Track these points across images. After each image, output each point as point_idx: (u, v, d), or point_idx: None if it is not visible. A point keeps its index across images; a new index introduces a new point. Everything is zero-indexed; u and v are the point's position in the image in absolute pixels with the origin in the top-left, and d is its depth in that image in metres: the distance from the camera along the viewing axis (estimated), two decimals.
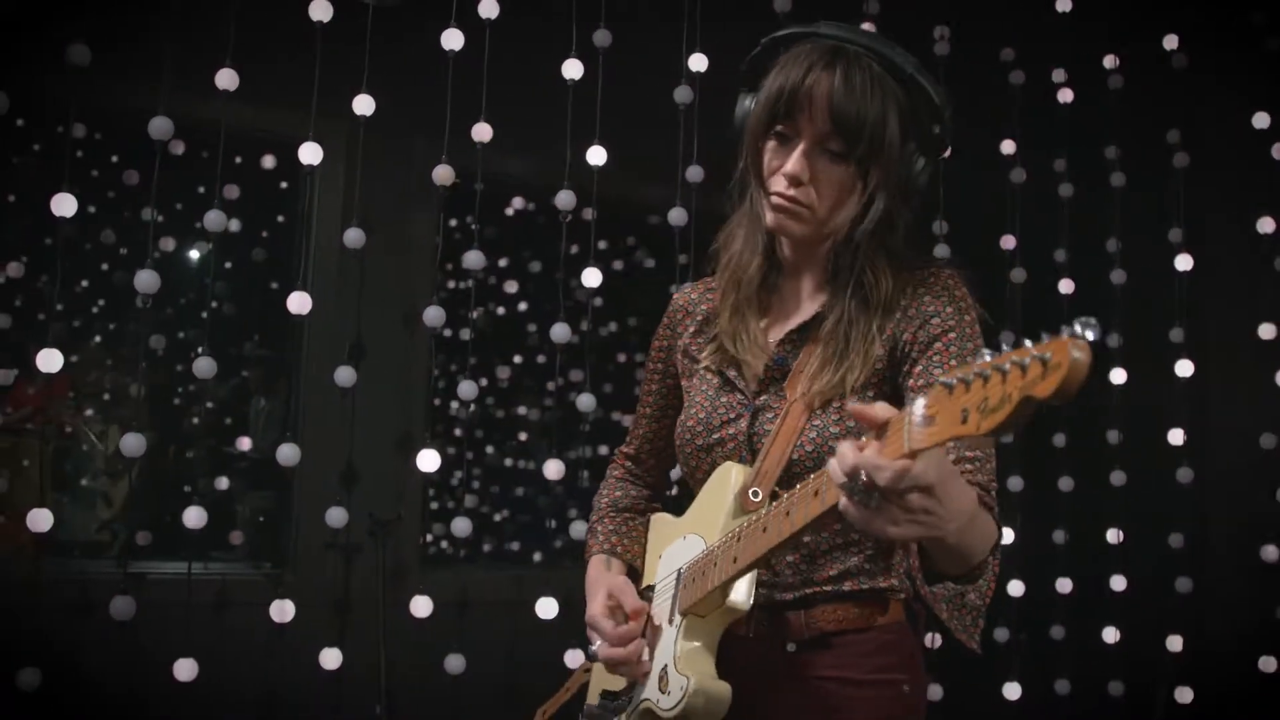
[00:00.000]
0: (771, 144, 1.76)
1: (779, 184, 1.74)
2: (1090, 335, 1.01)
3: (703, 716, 1.66)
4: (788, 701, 1.77)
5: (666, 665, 1.72)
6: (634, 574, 1.98)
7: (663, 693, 1.71)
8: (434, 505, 6.34)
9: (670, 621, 1.76)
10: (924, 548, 1.49)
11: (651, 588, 1.87)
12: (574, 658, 3.62)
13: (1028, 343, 1.05)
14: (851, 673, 1.76)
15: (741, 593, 1.67)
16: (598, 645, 1.79)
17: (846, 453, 1.27)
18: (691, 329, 1.97)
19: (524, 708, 2.26)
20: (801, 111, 1.71)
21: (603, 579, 1.92)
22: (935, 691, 4.18)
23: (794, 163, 1.71)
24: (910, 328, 1.73)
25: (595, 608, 1.82)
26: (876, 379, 1.73)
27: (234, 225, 3.43)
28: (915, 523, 1.29)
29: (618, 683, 1.87)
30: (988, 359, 1.10)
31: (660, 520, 2.00)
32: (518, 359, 7.09)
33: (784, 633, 1.77)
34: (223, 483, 6.15)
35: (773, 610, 1.77)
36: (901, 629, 1.82)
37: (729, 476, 1.76)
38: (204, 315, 3.63)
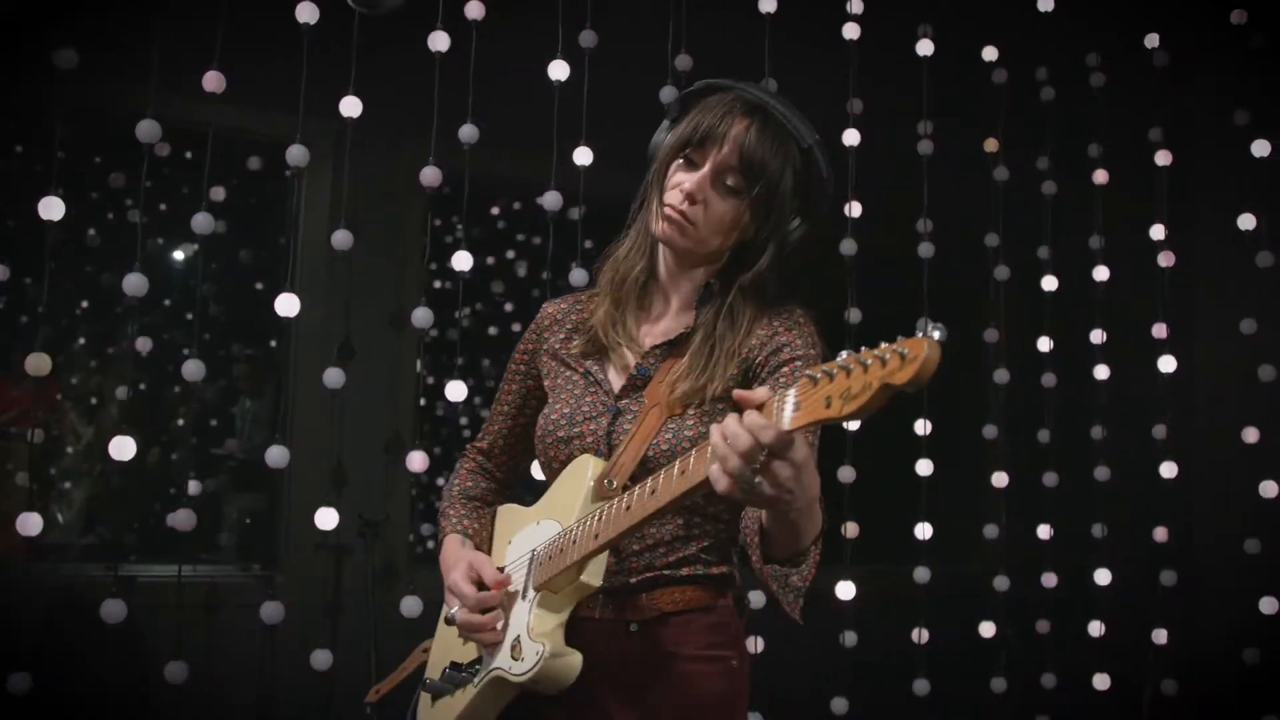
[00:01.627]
0: (679, 164, 1.97)
1: (675, 197, 1.95)
2: (937, 335, 1.21)
3: (553, 681, 1.83)
4: (630, 678, 1.94)
5: (519, 635, 1.88)
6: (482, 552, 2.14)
7: (515, 660, 1.87)
8: (422, 505, 6.35)
9: (524, 596, 1.92)
10: (764, 530, 1.65)
11: (502, 569, 2.00)
12: None
13: (883, 344, 1.27)
14: (688, 649, 1.95)
15: (594, 571, 1.84)
16: (456, 609, 1.95)
17: (731, 421, 1.44)
18: (560, 335, 2.14)
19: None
20: (713, 144, 1.93)
21: (462, 553, 2.05)
22: (922, 687, 4.20)
23: (694, 181, 1.93)
24: (763, 352, 1.95)
25: (457, 575, 1.97)
26: (727, 394, 1.90)
27: (220, 227, 3.42)
28: (775, 494, 1.45)
29: (466, 655, 2.00)
30: (845, 356, 1.31)
31: (508, 510, 2.18)
32: (505, 358, 7.09)
33: (627, 613, 1.94)
34: (210, 485, 6.14)
35: (618, 594, 1.94)
36: (730, 612, 2.03)
37: (586, 467, 1.93)
38: (189, 317, 3.62)
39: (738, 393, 1.48)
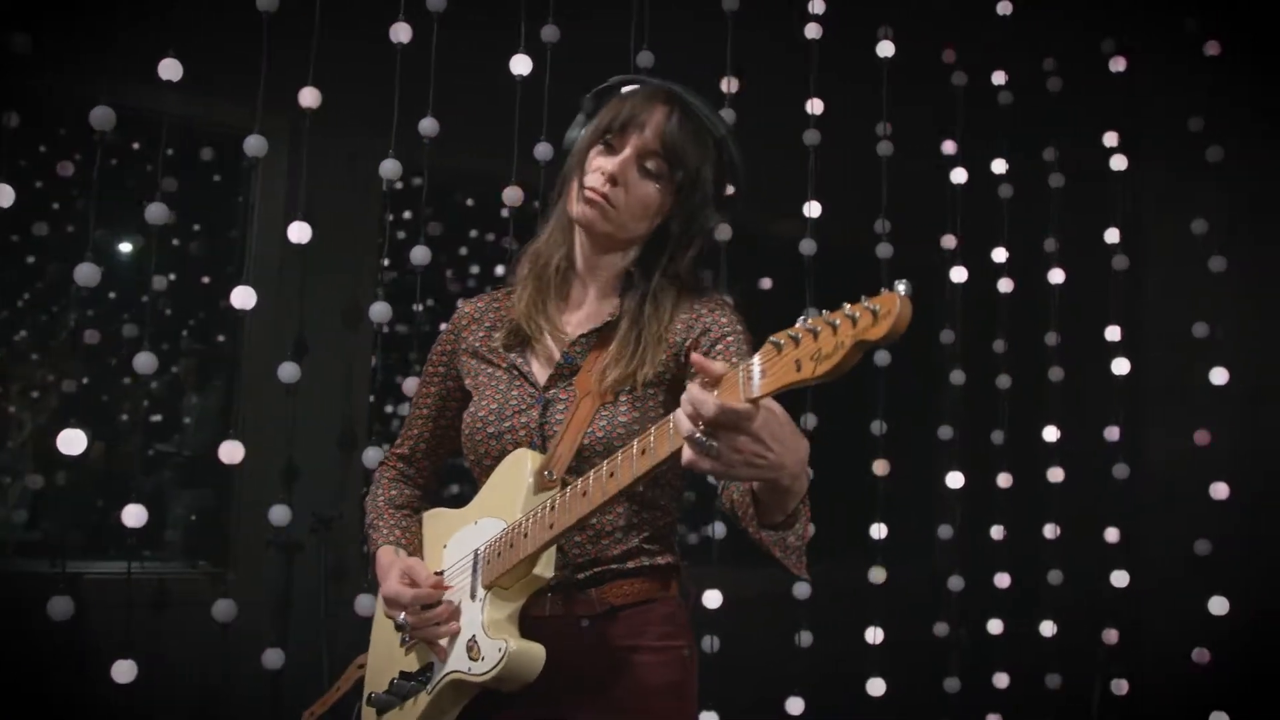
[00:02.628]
0: (598, 149, 1.98)
1: (595, 179, 1.95)
2: (903, 289, 1.23)
3: (518, 677, 1.83)
4: (585, 673, 1.94)
5: (475, 636, 1.87)
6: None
7: (474, 660, 1.86)
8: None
9: (473, 597, 1.91)
10: (757, 496, 1.66)
11: (440, 574, 2.00)
12: None
13: (846, 305, 1.28)
14: (641, 640, 1.97)
15: (546, 563, 1.85)
16: (403, 616, 1.94)
17: (693, 391, 1.45)
18: (480, 333, 2.13)
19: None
20: (634, 129, 1.96)
21: (395, 561, 2.04)
22: (877, 686, 4.21)
23: (615, 163, 1.95)
24: (693, 334, 1.97)
25: (391, 583, 1.98)
26: (658, 380, 1.95)
27: (172, 218, 3.35)
28: (747, 465, 1.47)
29: (412, 663, 2.00)
30: (809, 320, 1.32)
31: (436, 515, 2.16)
32: None
33: (577, 609, 1.95)
34: (156, 481, 6.05)
35: (567, 590, 1.94)
36: (677, 602, 2.05)
37: (524, 460, 1.92)
38: (144, 301, 3.54)
39: (695, 358, 1.48)
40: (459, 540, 2.01)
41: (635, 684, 1.96)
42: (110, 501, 6.01)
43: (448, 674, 1.89)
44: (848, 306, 1.28)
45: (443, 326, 2.21)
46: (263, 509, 3.61)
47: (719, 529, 3.91)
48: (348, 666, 2.25)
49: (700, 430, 1.45)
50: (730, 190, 2.07)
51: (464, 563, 1.97)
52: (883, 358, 4.16)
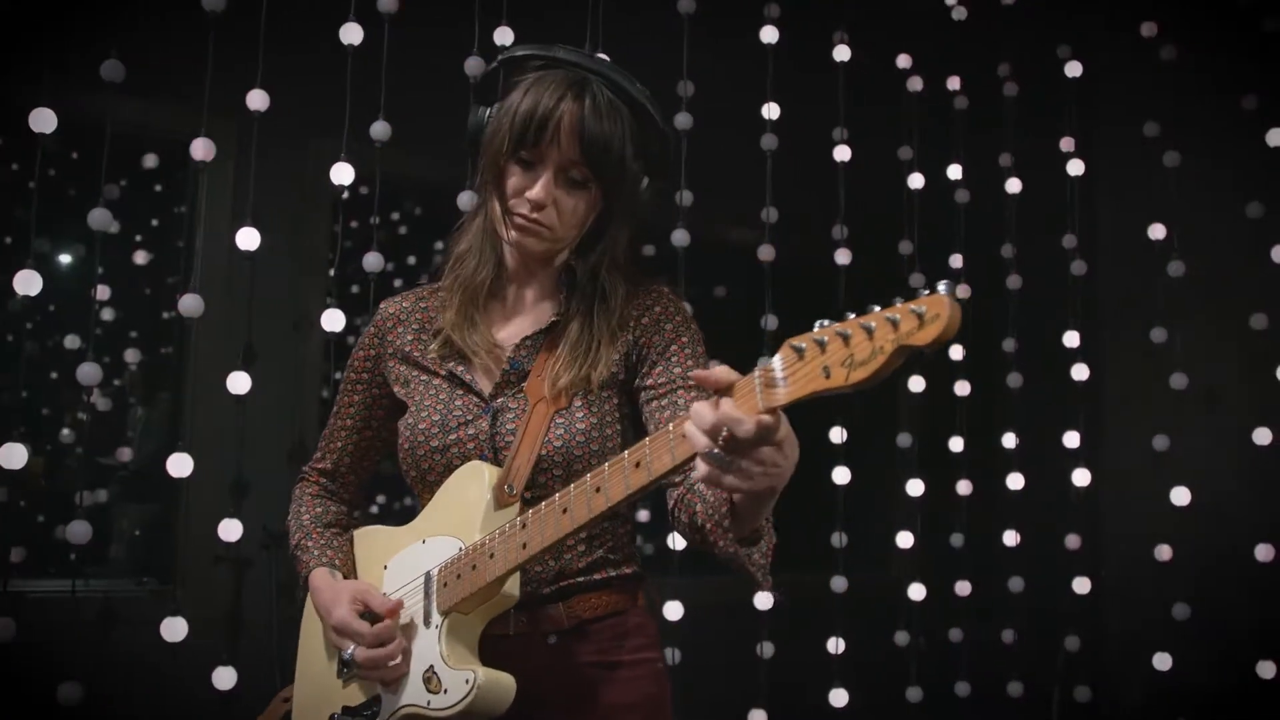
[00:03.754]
0: (515, 167, 1.85)
1: (523, 207, 1.84)
2: (944, 289, 1.14)
3: (485, 710, 1.71)
4: (555, 692, 1.85)
5: (433, 666, 1.75)
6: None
7: (434, 693, 1.73)
8: None
9: (428, 624, 1.78)
10: (735, 510, 1.56)
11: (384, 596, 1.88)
12: None
13: (875, 308, 1.19)
14: (611, 655, 1.90)
15: (513, 583, 1.73)
16: (352, 650, 1.80)
17: (705, 411, 1.35)
18: (408, 336, 2.02)
19: None
20: (549, 139, 1.81)
21: (340, 586, 1.91)
22: (840, 697, 4.16)
23: (539, 189, 1.82)
24: (644, 335, 1.90)
25: (342, 612, 1.84)
26: (611, 380, 1.88)
27: (114, 227, 3.23)
28: (765, 475, 1.38)
29: (354, 697, 1.87)
30: (842, 322, 1.22)
31: (369, 534, 2.04)
32: None
33: (544, 626, 1.86)
34: (101, 495, 5.91)
35: (531, 606, 1.85)
36: (644, 612, 1.98)
37: (480, 474, 1.81)
38: (89, 312, 3.43)
39: (696, 373, 1.41)
40: (403, 561, 1.89)
41: (610, 701, 1.88)
42: (52, 517, 5.87)
43: (403, 709, 1.77)
44: (891, 307, 1.19)
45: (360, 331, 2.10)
46: (211, 524, 3.50)
47: (678, 540, 3.85)
48: (271, 702, 2.12)
49: (719, 445, 1.35)
50: (658, 155, 1.96)
51: (412, 586, 1.84)
52: None
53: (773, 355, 1.29)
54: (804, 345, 1.26)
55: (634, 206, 1.94)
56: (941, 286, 1.14)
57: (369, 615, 1.83)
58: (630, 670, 1.91)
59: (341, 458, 2.12)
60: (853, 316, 1.22)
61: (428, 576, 1.81)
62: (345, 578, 1.98)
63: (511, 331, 1.96)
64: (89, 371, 3.10)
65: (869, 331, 1.19)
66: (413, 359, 1.99)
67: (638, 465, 1.50)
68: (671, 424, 1.45)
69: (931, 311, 1.14)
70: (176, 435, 4.19)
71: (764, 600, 4.01)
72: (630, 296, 1.94)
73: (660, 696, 1.95)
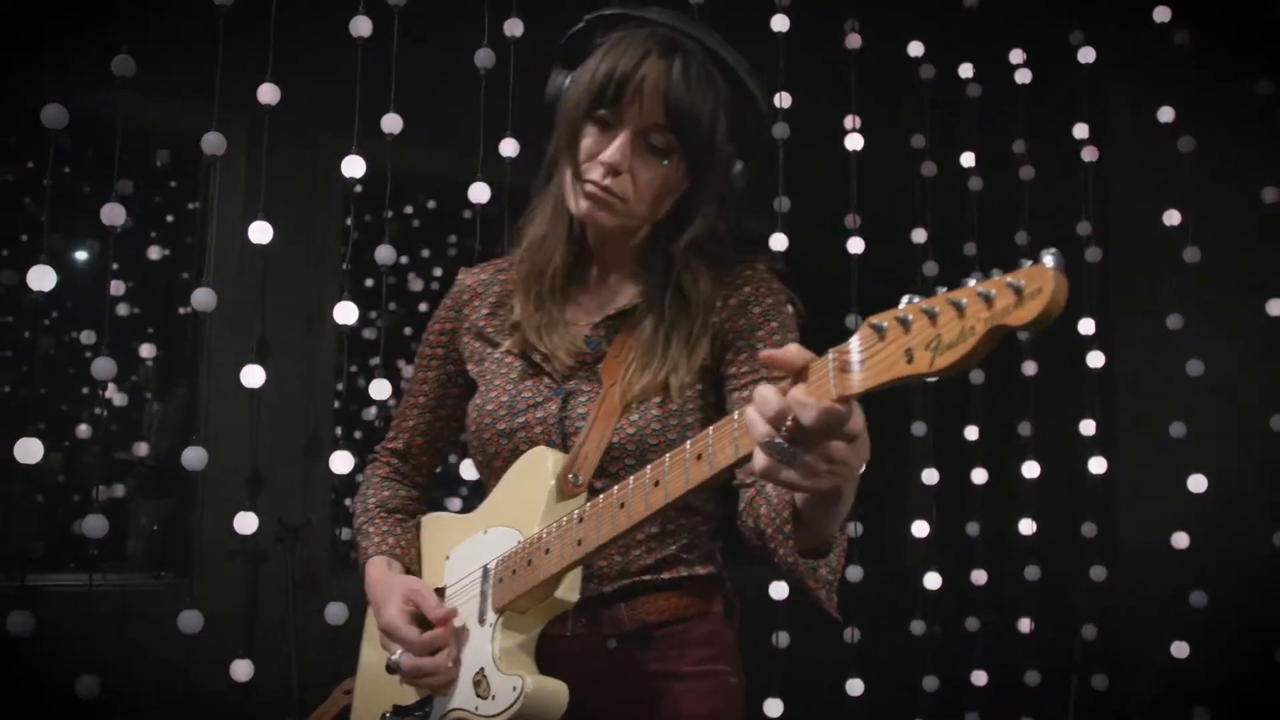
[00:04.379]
0: (592, 129, 1.69)
1: (595, 172, 1.67)
2: (1051, 261, 1.00)
3: (537, 718, 1.59)
4: (612, 700, 1.71)
5: (484, 669, 1.62)
6: (416, 576, 1.88)
7: (483, 698, 1.61)
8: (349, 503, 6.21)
9: (482, 622, 1.66)
10: (800, 516, 1.43)
11: (443, 590, 1.77)
12: None
13: (969, 281, 1.06)
14: (676, 665, 1.73)
15: (570, 585, 1.60)
16: (399, 655, 1.67)
17: (769, 395, 1.20)
18: (484, 310, 1.87)
19: None
20: (630, 99, 1.64)
21: (394, 581, 1.77)
22: (855, 687, 4.16)
23: (614, 151, 1.65)
24: (732, 319, 1.73)
25: (392, 613, 1.70)
26: (698, 378, 1.72)
27: (126, 223, 3.23)
28: (833, 474, 1.23)
29: (407, 695, 1.74)
30: (928, 298, 1.08)
31: (436, 520, 1.91)
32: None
33: (604, 628, 1.71)
34: (117, 490, 5.94)
35: (591, 605, 1.69)
36: (721, 620, 1.82)
37: (544, 462, 1.68)
38: (103, 307, 3.43)
39: (765, 354, 1.23)
40: (464, 553, 1.76)
41: (671, 715, 1.71)
42: (71, 512, 5.91)
43: (452, 712, 1.65)
44: (976, 283, 1.05)
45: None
46: (226, 517, 3.51)
47: None
48: (332, 692, 2.06)
49: (782, 435, 1.20)
50: (755, 138, 1.77)
51: (470, 580, 1.72)
52: None
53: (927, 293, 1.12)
54: (885, 324, 1.11)
55: (724, 192, 1.74)
56: (1048, 257, 1.00)
57: (422, 620, 1.70)
58: (695, 682, 1.74)
59: (413, 438, 1.98)
60: (942, 291, 1.08)
61: (485, 570, 1.69)
62: (406, 569, 1.85)
63: (590, 310, 1.81)
64: (103, 366, 3.11)
65: (959, 309, 1.05)
66: (487, 335, 1.85)
67: (699, 457, 1.35)
68: (737, 411, 1.30)
69: (1032, 285, 1.00)
70: (191, 429, 4.19)
71: (779, 590, 4.01)
72: (719, 282, 1.76)
73: (728, 713, 1.78)
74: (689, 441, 1.37)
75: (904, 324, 1.09)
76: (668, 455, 1.40)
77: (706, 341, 1.72)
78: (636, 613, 1.72)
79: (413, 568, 1.87)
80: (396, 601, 1.70)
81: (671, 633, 1.74)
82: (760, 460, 1.23)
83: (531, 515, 1.65)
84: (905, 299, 1.10)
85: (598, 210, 1.68)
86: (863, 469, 1.29)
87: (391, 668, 1.68)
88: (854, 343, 1.14)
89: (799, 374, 1.21)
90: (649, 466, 1.43)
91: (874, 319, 1.12)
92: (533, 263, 1.81)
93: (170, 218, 6.35)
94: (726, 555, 1.88)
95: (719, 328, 1.73)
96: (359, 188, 3.59)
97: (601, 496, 1.50)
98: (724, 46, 1.70)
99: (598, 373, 1.73)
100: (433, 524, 1.92)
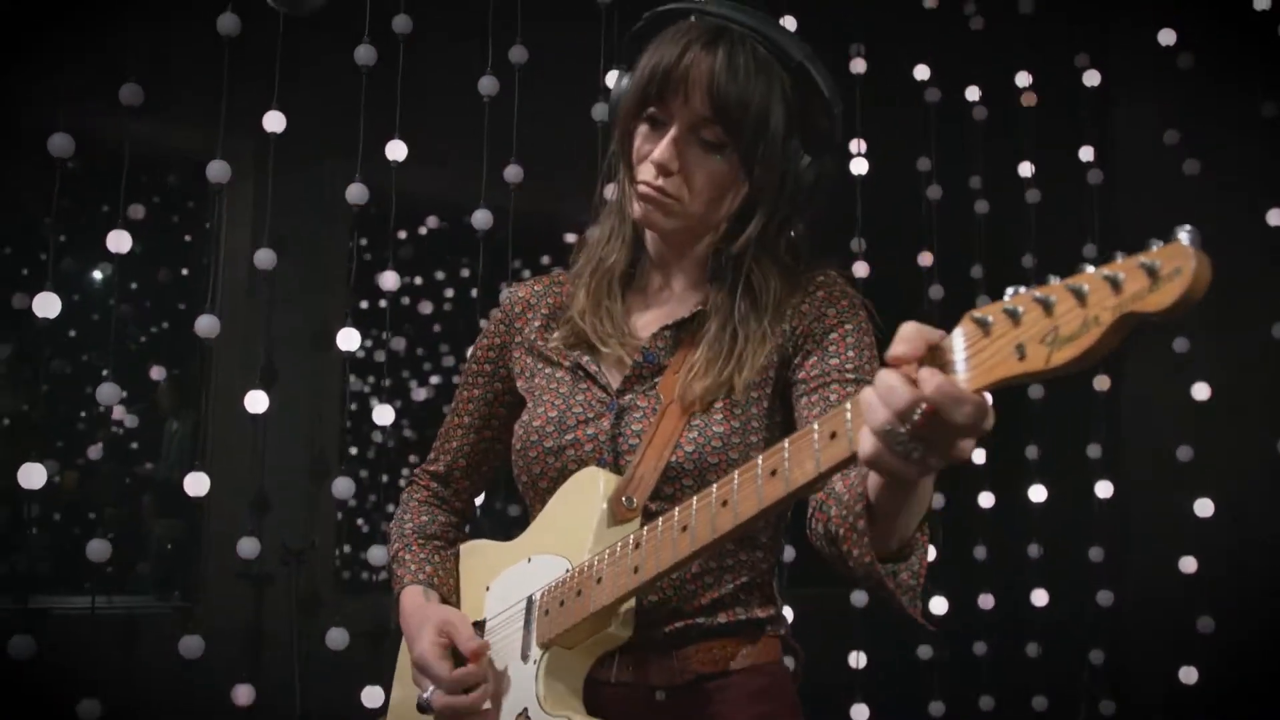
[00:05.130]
0: (643, 128, 1.61)
1: (646, 172, 1.58)
2: (1185, 238, 0.85)
3: None
4: None
5: (527, 709, 1.49)
6: (453, 607, 1.74)
7: None
8: (362, 526, 6.24)
9: (525, 658, 1.53)
10: (874, 513, 1.27)
11: (482, 624, 1.64)
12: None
13: (1089, 267, 0.92)
14: None
15: (626, 620, 1.47)
16: (430, 692, 1.56)
17: (898, 385, 1.04)
18: (536, 324, 1.74)
19: None
20: (676, 94, 1.55)
21: (429, 612, 1.65)
22: (862, 711, 4.15)
23: (662, 150, 1.56)
24: (803, 322, 1.61)
25: (424, 646, 1.58)
26: (763, 380, 1.59)
27: (139, 246, 3.27)
28: (933, 463, 1.09)
29: None
30: (1037, 288, 0.95)
31: (477, 549, 1.79)
32: (435, 379, 7.00)
33: (652, 677, 1.56)
34: (129, 511, 5.98)
35: (638, 650, 1.55)
36: (781, 670, 1.67)
37: (596, 483, 1.54)
38: (116, 333, 3.47)
39: (893, 353, 1.07)
40: (506, 582, 1.64)
41: None
42: (85, 532, 5.94)
43: None
44: (1098, 268, 0.91)
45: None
46: (231, 540, 3.54)
47: None
48: None
49: (908, 428, 1.05)
50: (824, 124, 1.64)
51: (512, 612, 1.59)
52: None
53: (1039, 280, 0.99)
54: (991, 318, 0.99)
55: (790, 186, 1.62)
56: (1183, 234, 0.86)
57: (456, 654, 1.59)
58: None
59: (456, 459, 1.84)
60: (1056, 281, 0.95)
61: (529, 601, 1.56)
62: (443, 599, 1.73)
63: (649, 321, 1.69)
64: (109, 392, 3.14)
65: (1079, 296, 0.92)
66: (538, 350, 1.72)
67: (773, 473, 1.21)
68: (818, 423, 1.16)
69: (1169, 265, 0.86)
70: (198, 452, 4.22)
71: (785, 613, 4.00)
72: (790, 288, 1.64)
73: None
74: (761, 456, 1.24)
75: (1013, 316, 0.97)
76: (736, 472, 1.26)
77: (774, 345, 1.60)
78: (688, 661, 1.57)
79: (450, 598, 1.75)
80: (430, 634, 1.59)
81: (726, 684, 1.59)
82: (869, 445, 1.08)
83: (581, 542, 1.51)
84: (1010, 290, 0.98)
85: (653, 212, 1.60)
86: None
87: (422, 706, 1.57)
88: (956, 338, 1.02)
89: (931, 355, 1.05)
90: (715, 485, 1.30)
91: (976, 312, 1.00)
92: (592, 264, 1.71)
93: (188, 237, 6.40)
94: None
95: (789, 334, 1.61)
96: (364, 207, 3.61)
97: (661, 519, 1.37)
98: (782, 33, 1.60)
99: (655, 387, 1.61)
100: (472, 553, 1.79)
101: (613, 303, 1.68)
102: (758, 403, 1.58)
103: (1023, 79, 4.71)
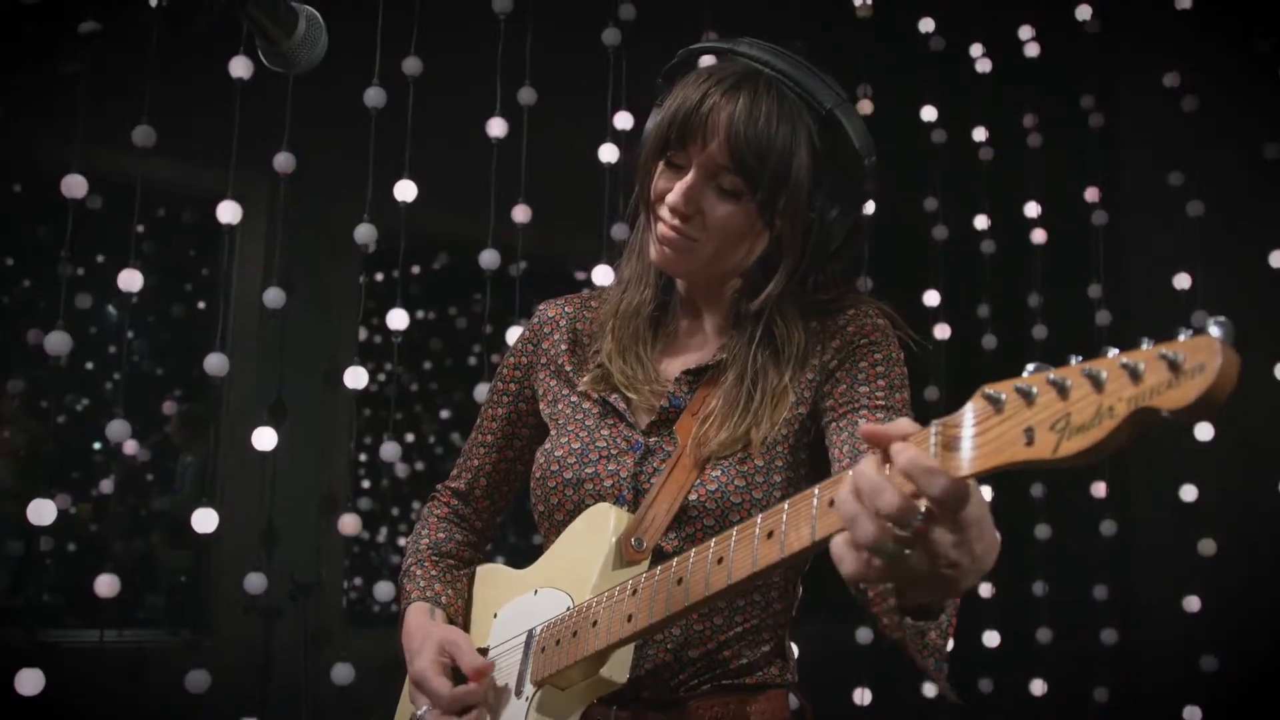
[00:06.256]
0: (663, 168, 1.57)
1: (663, 214, 1.55)
2: (1217, 332, 0.79)
3: None
4: None
5: None
6: (457, 628, 1.70)
7: None
8: (373, 558, 6.27)
9: (519, 693, 1.49)
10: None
11: (485, 651, 1.60)
12: None
13: (1113, 351, 0.86)
14: None
15: (619, 664, 1.41)
16: (425, 710, 1.53)
17: (879, 481, 0.98)
18: (563, 345, 1.71)
19: None
20: (694, 139, 1.51)
21: (431, 630, 1.61)
22: None
23: (676, 194, 1.52)
24: (835, 358, 1.56)
25: (424, 663, 1.55)
26: (788, 432, 1.54)
27: (154, 281, 3.33)
28: (935, 575, 1.01)
29: None
30: (1054, 369, 0.89)
31: (491, 573, 1.74)
32: (445, 414, 7.05)
33: None
34: (142, 545, 6.02)
35: (635, 700, 1.50)
36: (789, 717, 1.60)
37: (606, 521, 1.50)
38: (118, 376, 3.52)
39: (866, 428, 1.03)
40: (512, 612, 1.59)
41: None
42: (95, 565, 5.98)
43: None
44: (1119, 353, 0.86)
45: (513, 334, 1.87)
46: (241, 574, 3.58)
47: None
48: None
49: (905, 535, 0.98)
50: (852, 176, 1.56)
51: (514, 643, 1.55)
52: None
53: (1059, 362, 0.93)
54: (1003, 395, 0.92)
55: (816, 239, 1.55)
56: (1214, 328, 0.80)
57: (457, 674, 1.56)
58: None
59: (477, 478, 1.80)
60: (1077, 361, 0.89)
61: (530, 635, 1.52)
62: (449, 619, 1.69)
63: (677, 365, 1.65)
64: (118, 429, 3.19)
65: (1096, 383, 0.86)
66: (565, 374, 1.69)
67: (769, 535, 1.16)
68: (819, 487, 1.11)
69: (1193, 360, 0.80)
70: (206, 486, 4.26)
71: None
72: (817, 323, 1.59)
73: None
74: (761, 515, 1.18)
75: (1026, 396, 0.90)
76: (735, 529, 1.22)
77: (795, 394, 1.55)
78: (689, 711, 1.51)
79: (457, 620, 1.71)
80: (430, 652, 1.56)
81: None
82: (847, 560, 1.02)
83: (585, 580, 1.47)
84: (1030, 367, 0.92)
85: (668, 254, 1.56)
86: (979, 571, 1.04)
87: None
88: (966, 414, 0.96)
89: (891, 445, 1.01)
90: (714, 540, 1.24)
91: (989, 388, 0.93)
92: (620, 307, 1.68)
93: (205, 271, 6.47)
94: None
95: (820, 369, 1.56)
96: (382, 244, 3.66)
97: (660, 568, 1.32)
98: (815, 79, 1.55)
99: (674, 431, 1.56)
100: (487, 576, 1.75)
101: (641, 347, 1.64)
102: (785, 440, 1.53)
103: (1029, 119, 4.75)
